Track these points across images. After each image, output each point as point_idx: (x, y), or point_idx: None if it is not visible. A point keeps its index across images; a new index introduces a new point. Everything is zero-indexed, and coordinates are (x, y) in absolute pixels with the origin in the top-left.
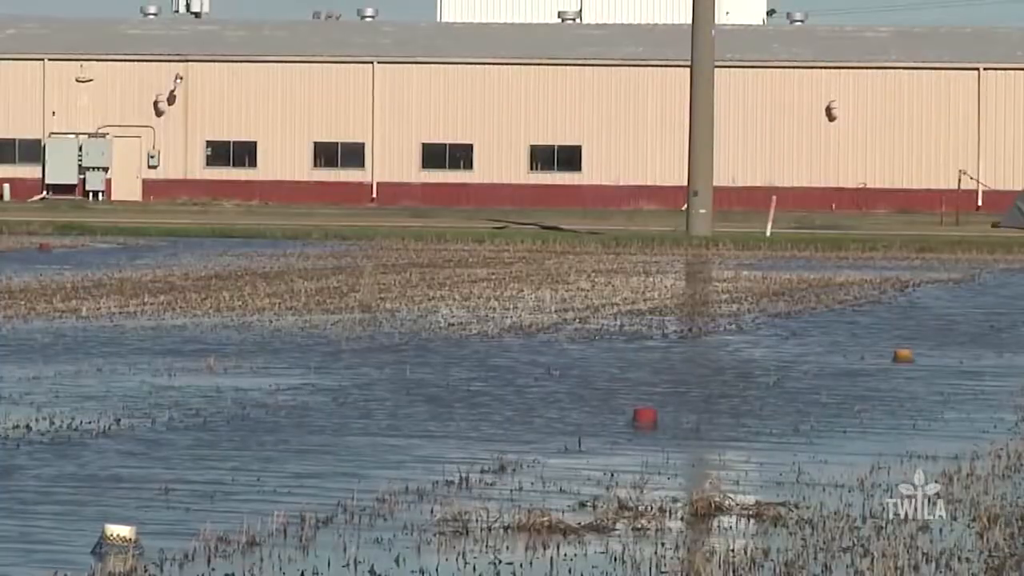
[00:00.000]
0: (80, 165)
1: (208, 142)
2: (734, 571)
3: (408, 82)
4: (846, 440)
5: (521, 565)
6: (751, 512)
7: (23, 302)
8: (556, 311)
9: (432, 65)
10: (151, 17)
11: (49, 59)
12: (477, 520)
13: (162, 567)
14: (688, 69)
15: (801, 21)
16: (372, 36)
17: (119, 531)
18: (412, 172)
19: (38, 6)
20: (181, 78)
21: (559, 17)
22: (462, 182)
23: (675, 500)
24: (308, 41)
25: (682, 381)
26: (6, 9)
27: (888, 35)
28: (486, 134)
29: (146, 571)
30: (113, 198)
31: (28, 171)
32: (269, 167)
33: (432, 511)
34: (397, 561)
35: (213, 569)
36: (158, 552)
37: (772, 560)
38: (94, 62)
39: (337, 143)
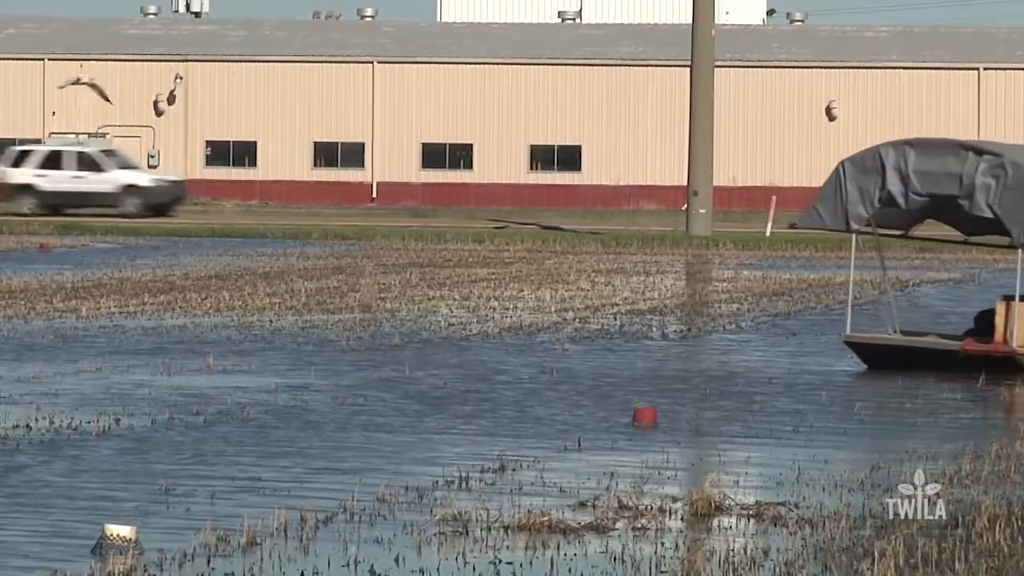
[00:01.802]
0: None
1: (208, 142)
2: (734, 571)
3: (408, 82)
4: (846, 440)
5: (521, 565)
6: (751, 512)
7: (23, 302)
8: (556, 311)
9: (432, 65)
10: (151, 17)
11: (49, 59)
12: (477, 520)
13: (162, 567)
14: (688, 69)
15: (801, 21)
16: (372, 36)
17: (119, 531)
18: (412, 172)
19: (38, 6)
20: (181, 78)
21: (559, 17)
22: (462, 182)
23: (675, 500)
24: (308, 41)
25: (682, 381)
26: (6, 9)
27: (888, 35)
28: (486, 134)
29: (146, 571)
30: None
31: None
32: (269, 167)
33: (432, 511)
34: (397, 561)
35: (213, 569)
36: (158, 552)
37: (772, 560)
38: (94, 62)
39: (337, 143)
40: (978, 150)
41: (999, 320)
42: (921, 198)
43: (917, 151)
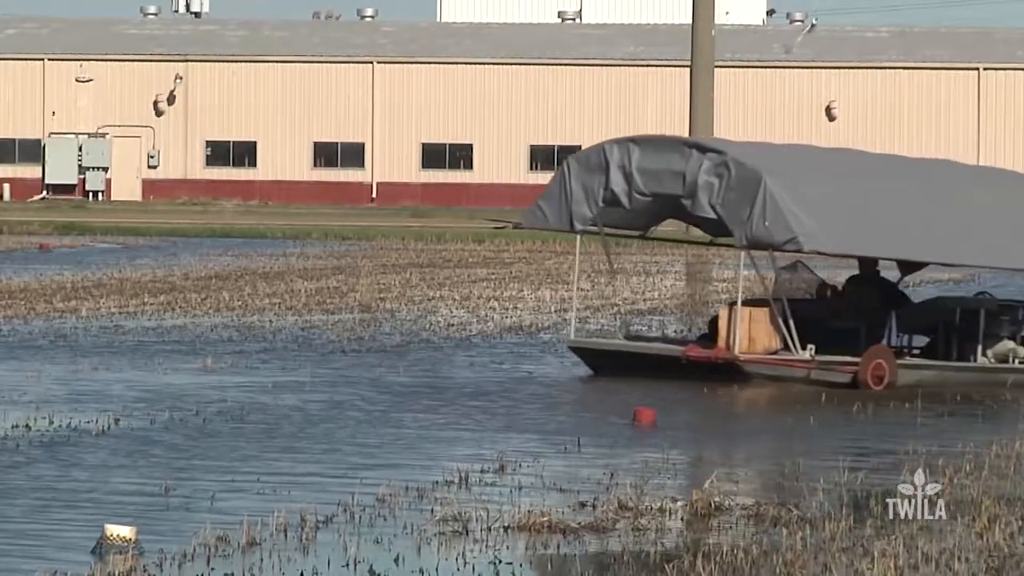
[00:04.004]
0: (80, 165)
1: (208, 142)
2: (734, 571)
3: (408, 82)
4: (846, 440)
5: (521, 565)
6: (751, 512)
7: (23, 302)
8: (556, 311)
9: (432, 65)
10: (151, 17)
11: (49, 59)
12: (477, 520)
13: (162, 567)
14: (688, 69)
15: (801, 21)
16: (372, 36)
17: (119, 531)
18: (412, 172)
19: (38, 6)
20: (181, 78)
21: (559, 17)
22: (462, 182)
23: (675, 500)
24: (308, 41)
25: (682, 381)
26: (6, 9)
27: (888, 35)
28: (486, 134)
29: (146, 571)
30: (113, 198)
31: (28, 171)
32: (269, 167)
33: (432, 511)
34: (397, 561)
35: (213, 569)
36: (158, 552)
37: (772, 560)
38: (94, 62)
39: (337, 143)
40: (702, 148)
41: (722, 325)
42: (645, 198)
43: (642, 148)
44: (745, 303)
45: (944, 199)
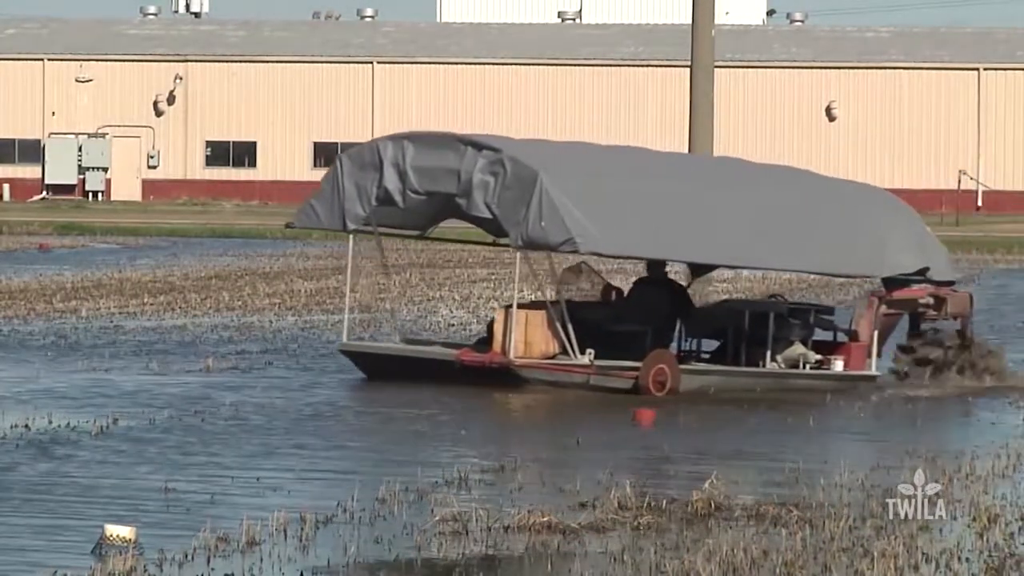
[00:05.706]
0: (80, 165)
1: (208, 142)
2: (734, 571)
3: (408, 82)
4: (846, 440)
5: (521, 565)
6: (751, 512)
7: (23, 302)
8: None
9: (432, 65)
10: (151, 17)
11: (49, 59)
12: (477, 520)
13: (162, 567)
14: (688, 69)
15: (801, 21)
16: (372, 36)
17: (119, 531)
18: None
19: (38, 6)
20: (181, 78)
21: (559, 17)
22: None
23: (675, 500)
24: (308, 41)
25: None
26: (6, 9)
27: (888, 35)
28: (486, 134)
29: (146, 571)
30: (113, 198)
31: (28, 171)
32: (269, 167)
33: (432, 511)
34: (397, 561)
35: (213, 569)
36: (158, 552)
37: (772, 560)
38: (94, 62)
39: (337, 143)
40: (477, 145)
41: (497, 328)
42: (420, 196)
43: (416, 145)
44: (522, 306)
45: (732, 200)
